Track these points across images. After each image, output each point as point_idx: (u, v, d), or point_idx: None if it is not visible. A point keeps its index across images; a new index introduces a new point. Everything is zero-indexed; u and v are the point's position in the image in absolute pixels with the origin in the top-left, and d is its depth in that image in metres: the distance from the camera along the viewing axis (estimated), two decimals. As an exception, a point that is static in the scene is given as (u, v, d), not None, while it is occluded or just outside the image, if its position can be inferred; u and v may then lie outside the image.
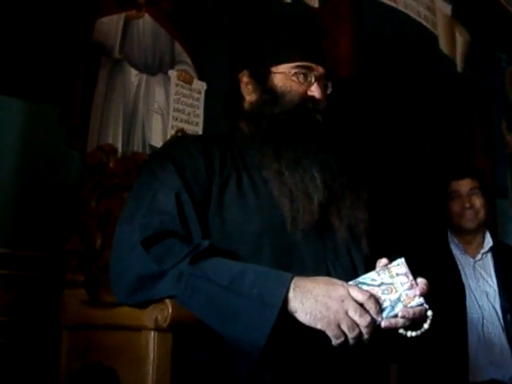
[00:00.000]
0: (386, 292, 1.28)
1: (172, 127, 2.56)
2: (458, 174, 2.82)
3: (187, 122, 2.63)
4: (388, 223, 1.92)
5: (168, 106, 2.59)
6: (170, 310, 1.33)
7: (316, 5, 3.19)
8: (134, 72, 2.49)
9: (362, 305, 1.23)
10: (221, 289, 1.27)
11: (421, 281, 1.34)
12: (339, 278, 1.33)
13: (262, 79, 1.62)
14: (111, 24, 2.45)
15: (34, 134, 2.16)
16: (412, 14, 3.85)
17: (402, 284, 1.29)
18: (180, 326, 1.36)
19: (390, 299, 1.28)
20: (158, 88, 2.56)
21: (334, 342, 1.22)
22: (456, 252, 2.75)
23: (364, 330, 1.22)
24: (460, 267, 2.69)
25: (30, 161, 2.13)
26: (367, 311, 1.23)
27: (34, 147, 2.15)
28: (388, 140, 3.60)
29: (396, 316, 1.28)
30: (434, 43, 3.99)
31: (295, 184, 1.47)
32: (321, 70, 1.62)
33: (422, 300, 1.30)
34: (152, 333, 1.38)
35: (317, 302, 1.23)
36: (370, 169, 2.77)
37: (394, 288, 1.29)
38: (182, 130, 2.38)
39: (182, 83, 2.65)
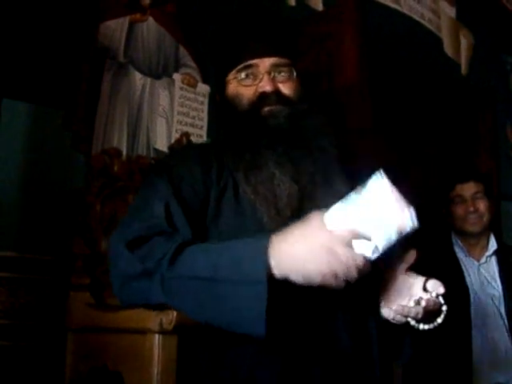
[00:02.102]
0: (370, 215, 1.19)
1: (176, 130, 2.57)
2: (463, 177, 2.81)
3: (191, 125, 2.64)
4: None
5: (172, 110, 2.59)
6: (175, 313, 1.33)
7: (320, 8, 3.20)
8: (138, 75, 2.50)
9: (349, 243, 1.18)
10: (203, 282, 1.24)
11: (435, 282, 1.34)
12: None
13: (221, 90, 1.60)
14: (116, 27, 2.46)
15: (40, 137, 2.17)
16: (416, 17, 3.85)
17: (386, 202, 1.20)
18: (184, 328, 1.36)
19: (377, 222, 1.19)
20: (162, 91, 2.57)
21: (336, 285, 1.18)
22: (460, 255, 2.74)
23: (361, 266, 1.17)
24: (464, 270, 2.69)
25: (35, 164, 2.14)
26: (355, 249, 1.17)
27: (40, 151, 2.16)
28: (392, 142, 3.60)
29: (392, 244, 1.21)
30: (438, 46, 3.99)
31: (264, 187, 1.45)
32: (269, 61, 1.51)
33: (414, 220, 1.20)
34: (157, 335, 1.39)
35: (303, 261, 1.18)
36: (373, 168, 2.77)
37: (378, 207, 1.19)
38: (186, 134, 2.39)
39: (186, 87, 2.65)
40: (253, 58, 1.52)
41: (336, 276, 1.16)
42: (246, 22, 1.64)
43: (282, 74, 1.53)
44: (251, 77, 1.52)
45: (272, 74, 1.52)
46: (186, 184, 1.45)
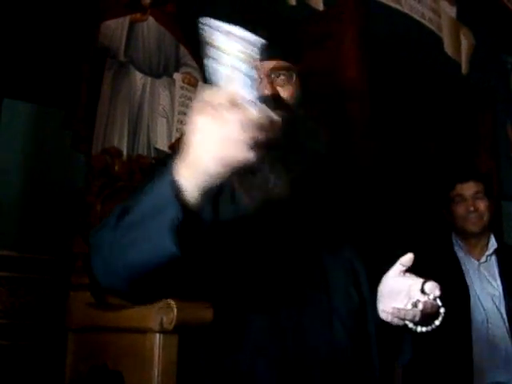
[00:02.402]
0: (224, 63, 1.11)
1: (177, 130, 2.56)
2: (463, 177, 2.81)
3: (192, 124, 2.63)
4: (392, 225, 1.92)
5: (173, 109, 2.59)
6: (176, 312, 1.33)
7: (321, 8, 3.19)
8: (138, 75, 2.50)
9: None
10: (128, 228, 1.20)
11: (432, 284, 1.34)
12: (336, 272, 1.35)
13: None
14: (116, 27, 2.46)
15: (40, 137, 2.17)
16: (417, 17, 3.85)
17: (226, 41, 1.12)
18: (185, 327, 1.36)
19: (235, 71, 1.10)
20: (162, 91, 2.57)
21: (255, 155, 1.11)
22: (460, 254, 2.74)
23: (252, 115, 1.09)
24: (464, 270, 2.69)
25: (35, 164, 2.14)
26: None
27: (40, 150, 2.16)
28: (392, 142, 3.60)
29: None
30: (438, 45, 3.99)
31: (258, 191, 1.44)
32: (269, 64, 1.51)
33: None
34: (157, 335, 1.38)
35: (207, 153, 1.09)
36: (372, 172, 2.77)
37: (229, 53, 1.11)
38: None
39: (186, 86, 2.65)
40: (259, 59, 1.52)
41: (243, 143, 1.07)
42: (245, 25, 1.64)
43: (282, 77, 1.53)
44: None
45: (271, 78, 1.52)
46: None
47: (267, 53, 1.52)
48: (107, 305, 1.81)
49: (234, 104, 1.07)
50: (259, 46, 1.13)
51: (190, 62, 2.68)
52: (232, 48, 1.12)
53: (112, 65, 2.42)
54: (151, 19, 2.58)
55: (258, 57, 1.12)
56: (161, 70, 2.59)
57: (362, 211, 1.62)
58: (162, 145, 2.49)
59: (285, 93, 1.52)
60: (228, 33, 1.14)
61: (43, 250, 2.08)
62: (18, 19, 2.16)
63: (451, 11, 4.14)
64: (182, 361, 1.38)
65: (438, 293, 1.32)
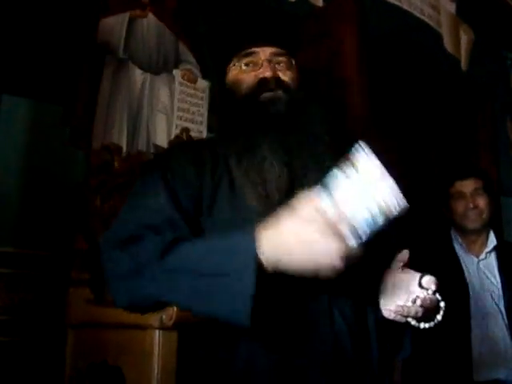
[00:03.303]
0: (359, 196, 1.15)
1: (176, 126, 2.56)
2: (463, 173, 2.81)
3: (191, 121, 2.64)
4: (392, 221, 1.91)
5: (172, 106, 2.59)
6: (175, 309, 1.33)
7: (320, 4, 3.19)
8: (138, 71, 2.50)
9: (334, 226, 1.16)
10: (193, 275, 1.24)
11: (429, 278, 1.34)
12: None
13: (224, 78, 1.62)
14: (115, 23, 2.46)
15: (39, 133, 2.17)
16: (416, 13, 3.84)
17: (373, 177, 1.15)
18: (185, 324, 1.36)
19: (367, 207, 1.15)
20: (162, 87, 2.57)
21: (332, 274, 1.18)
22: (459, 251, 2.74)
23: (347, 253, 1.16)
24: (464, 266, 2.69)
25: (34, 160, 2.14)
26: (342, 231, 1.16)
27: (39, 147, 2.16)
28: (391, 138, 3.60)
29: (380, 227, 1.17)
30: (438, 42, 3.98)
31: (254, 171, 1.46)
32: (269, 50, 1.56)
33: (400, 200, 1.16)
34: (157, 331, 1.39)
35: (292, 253, 1.18)
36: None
37: (364, 186, 1.15)
38: (186, 129, 2.39)
39: (186, 82, 2.65)
40: (254, 46, 1.56)
41: (324, 266, 1.16)
42: (249, 13, 1.68)
43: (282, 63, 1.57)
44: (251, 65, 1.55)
45: (272, 62, 1.55)
46: (179, 180, 1.45)
47: (268, 39, 1.57)
48: (107, 301, 1.81)
49: (337, 232, 1.15)
50: (400, 207, 1.17)
51: (190, 59, 2.68)
52: (375, 189, 1.16)
53: (111, 61, 2.41)
54: (151, 16, 2.57)
55: (393, 214, 1.17)
56: (160, 67, 2.58)
57: None
58: (162, 141, 2.49)
59: (285, 76, 1.55)
60: (380, 174, 1.16)
61: (42, 247, 2.08)
62: (17, 15, 2.15)
63: (451, 7, 4.14)
64: (181, 357, 1.38)
65: (434, 287, 1.31)
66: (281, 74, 1.55)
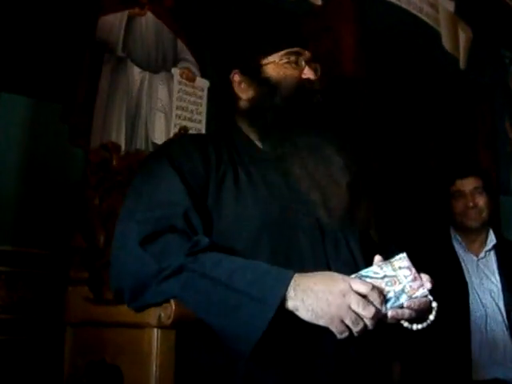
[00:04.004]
0: (389, 284, 1.28)
1: (175, 125, 2.56)
2: (462, 172, 2.81)
3: (190, 119, 2.63)
4: (391, 220, 1.92)
5: (171, 104, 2.59)
6: (174, 308, 1.33)
7: (319, 2, 3.19)
8: (137, 70, 2.49)
9: (365, 296, 1.23)
10: (219, 284, 1.26)
11: (424, 276, 1.34)
12: (339, 272, 1.32)
13: (254, 74, 1.62)
14: (114, 22, 2.45)
15: (38, 131, 2.16)
16: (414, 11, 3.83)
17: (406, 276, 1.29)
18: (183, 323, 1.36)
19: (393, 290, 1.27)
20: (160, 86, 2.57)
21: (339, 336, 1.22)
22: (459, 250, 2.74)
23: (368, 322, 1.22)
24: (463, 265, 2.69)
25: (33, 158, 2.14)
26: (371, 302, 1.23)
27: (38, 145, 2.16)
28: (391, 137, 3.60)
29: (401, 307, 1.27)
30: (436, 40, 3.98)
31: (318, 170, 1.49)
32: (308, 53, 1.63)
33: (426, 291, 1.30)
34: (155, 330, 1.38)
35: (318, 298, 1.22)
36: (373, 162, 2.77)
37: (398, 280, 1.28)
38: (184, 128, 2.39)
39: (184, 81, 2.65)
40: (298, 46, 1.62)
41: (343, 323, 1.21)
42: (278, 15, 1.77)
43: (316, 66, 1.66)
44: (293, 64, 1.61)
45: (311, 65, 1.64)
46: (187, 171, 1.46)
47: (303, 44, 1.63)
48: (105, 300, 1.81)
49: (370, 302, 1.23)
50: (430, 307, 1.33)
51: (188, 57, 2.67)
52: (406, 287, 1.29)
53: (110, 59, 2.41)
54: (149, 14, 2.57)
55: (419, 309, 1.31)
56: (159, 65, 2.58)
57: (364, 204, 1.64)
58: (160, 139, 2.48)
59: (318, 80, 1.64)
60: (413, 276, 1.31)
61: (41, 245, 2.08)
62: (15, 13, 2.15)
63: (449, 5, 4.13)
64: (179, 356, 1.38)
65: (429, 285, 1.32)
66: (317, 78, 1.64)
